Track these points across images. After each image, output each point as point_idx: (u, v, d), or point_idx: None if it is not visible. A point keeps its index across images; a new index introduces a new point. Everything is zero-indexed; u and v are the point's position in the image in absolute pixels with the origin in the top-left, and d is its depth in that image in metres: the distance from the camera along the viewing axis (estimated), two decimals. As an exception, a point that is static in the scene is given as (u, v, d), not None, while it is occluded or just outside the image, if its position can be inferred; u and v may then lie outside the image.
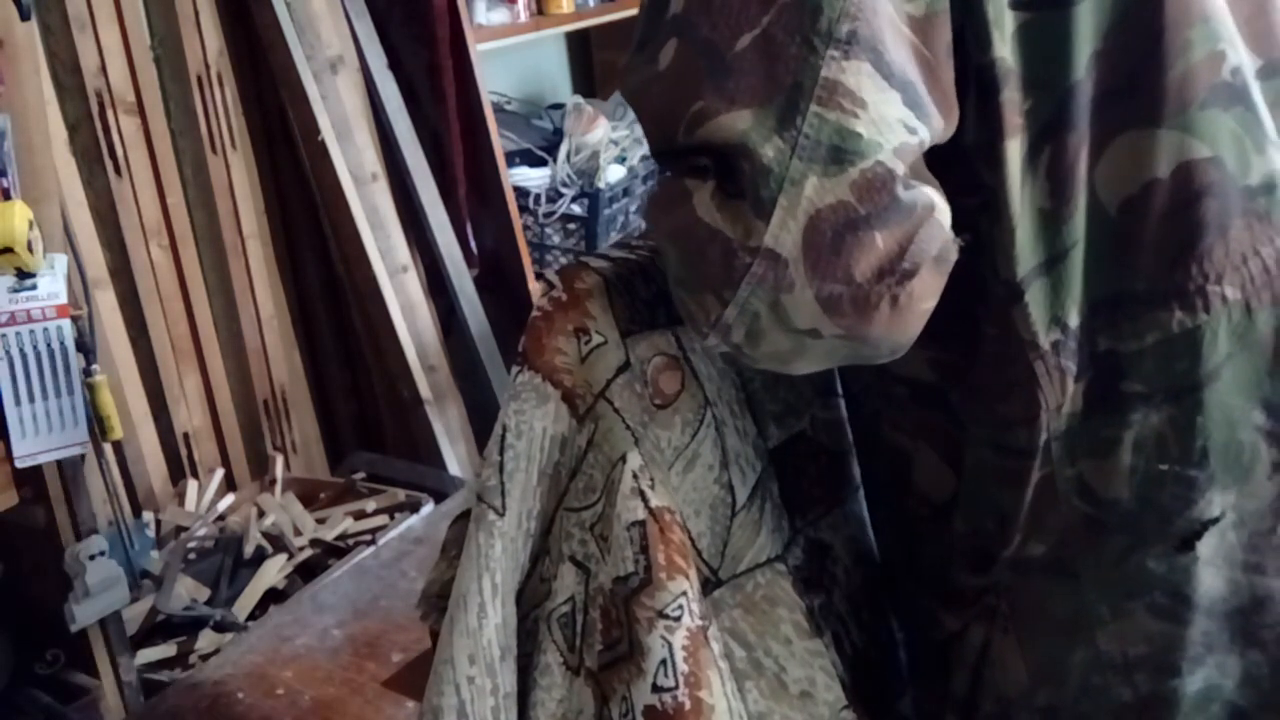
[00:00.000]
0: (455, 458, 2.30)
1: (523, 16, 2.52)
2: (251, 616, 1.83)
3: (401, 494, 2.13)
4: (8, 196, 1.41)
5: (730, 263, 0.66)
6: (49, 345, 1.46)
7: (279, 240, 2.33)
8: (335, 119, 2.22)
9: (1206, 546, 0.77)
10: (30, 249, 1.39)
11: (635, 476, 0.79)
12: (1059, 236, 0.74)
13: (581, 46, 3.18)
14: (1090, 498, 0.77)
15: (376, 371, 2.37)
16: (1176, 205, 0.73)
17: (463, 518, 0.87)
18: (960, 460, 0.82)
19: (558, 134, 2.64)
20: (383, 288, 2.25)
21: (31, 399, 1.45)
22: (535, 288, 0.79)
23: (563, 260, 2.67)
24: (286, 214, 2.34)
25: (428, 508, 2.06)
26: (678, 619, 0.77)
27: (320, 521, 2.06)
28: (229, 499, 2.14)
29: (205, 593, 1.86)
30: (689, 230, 0.69)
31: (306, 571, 1.95)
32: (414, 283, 2.34)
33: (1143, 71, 0.72)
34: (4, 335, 1.43)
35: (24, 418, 1.45)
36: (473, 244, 2.43)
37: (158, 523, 2.03)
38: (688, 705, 0.77)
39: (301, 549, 1.98)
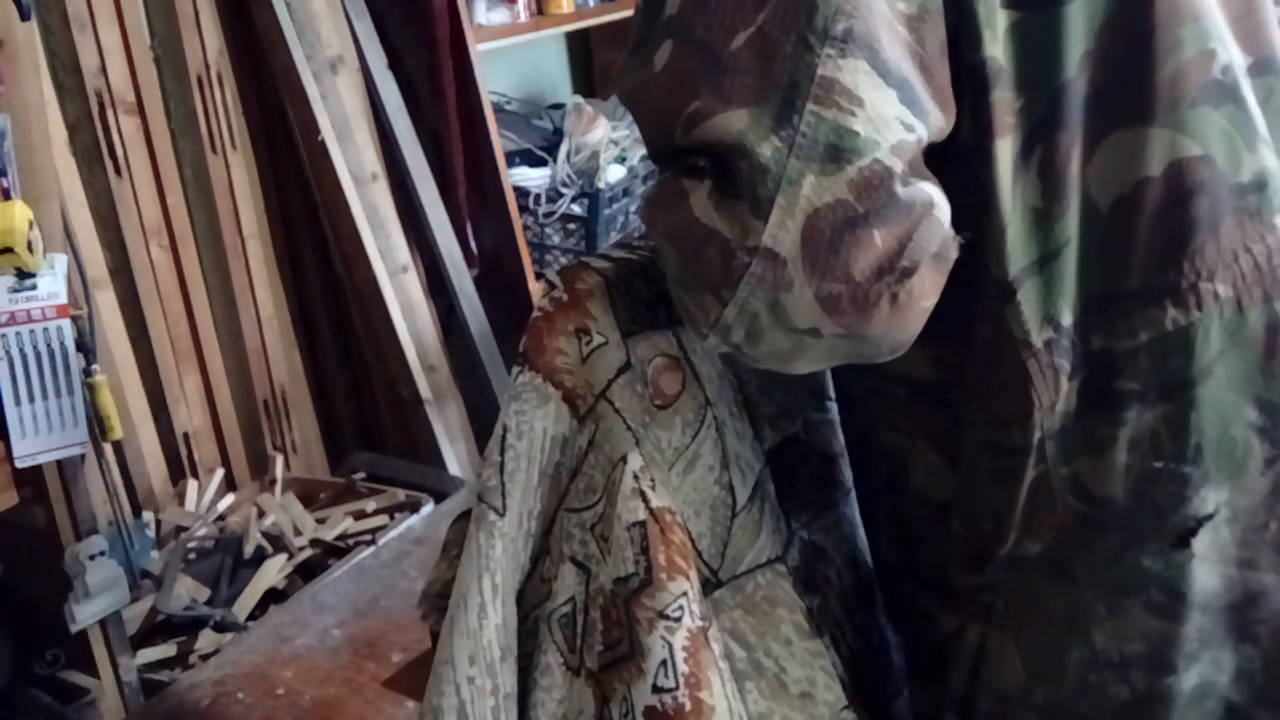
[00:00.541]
0: (455, 458, 2.31)
1: (523, 16, 2.52)
2: (251, 616, 1.83)
3: (401, 494, 2.13)
4: (8, 196, 1.41)
5: (729, 263, 0.66)
6: (49, 345, 1.46)
7: (279, 240, 2.33)
8: (335, 119, 2.22)
9: (1201, 543, 0.77)
10: (30, 249, 1.39)
11: (636, 477, 0.79)
12: (1051, 235, 0.74)
13: (581, 46, 3.18)
14: (1085, 496, 0.77)
15: (376, 371, 2.37)
16: (1168, 203, 0.73)
17: (464, 517, 0.87)
18: (956, 459, 0.82)
19: (558, 134, 2.64)
20: (383, 288, 2.25)
21: (31, 399, 1.45)
22: (536, 288, 0.79)
23: (563, 260, 2.67)
24: (286, 214, 2.34)
25: (428, 508, 2.06)
26: (678, 620, 0.77)
27: (320, 521, 2.06)
28: (229, 499, 2.14)
29: (205, 593, 1.86)
30: (686, 230, 0.69)
31: (306, 571, 1.95)
32: (414, 283, 2.34)
33: (1134, 70, 0.73)
34: (4, 335, 1.43)
35: (24, 418, 1.45)
36: (473, 244, 2.43)
37: (158, 523, 2.03)
38: (688, 706, 0.77)
39: (301, 549, 1.98)
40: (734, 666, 0.83)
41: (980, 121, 0.72)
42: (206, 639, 1.77)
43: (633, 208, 2.73)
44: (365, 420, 2.49)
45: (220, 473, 2.17)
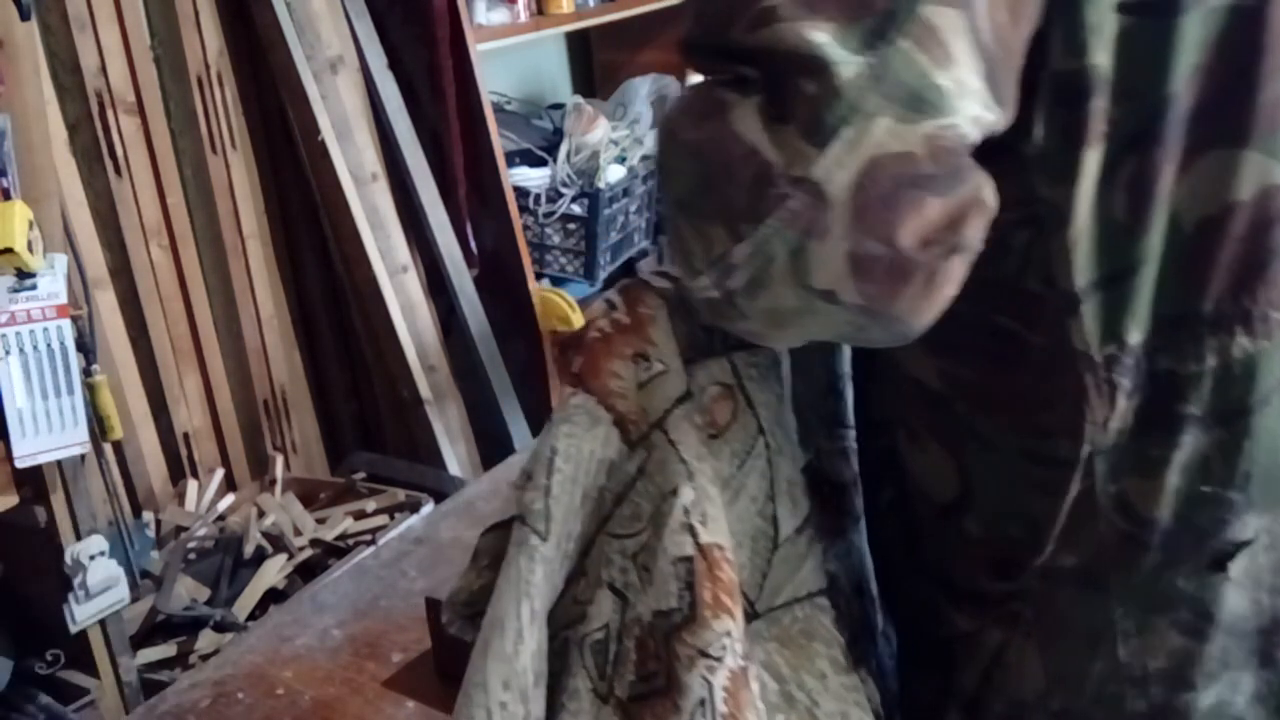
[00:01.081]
0: (455, 458, 2.31)
1: (523, 16, 2.52)
2: (251, 616, 1.83)
3: (401, 494, 2.13)
4: (8, 196, 1.41)
5: (762, 190, 0.59)
6: (49, 345, 1.46)
7: (279, 240, 2.33)
8: (335, 119, 2.22)
9: (1237, 567, 0.77)
10: (30, 249, 1.39)
11: (686, 511, 0.76)
12: (1128, 251, 0.72)
13: (581, 46, 3.18)
14: (1130, 515, 0.76)
15: (376, 371, 2.37)
16: (1252, 229, 0.72)
17: (496, 528, 0.85)
18: (965, 464, 0.82)
19: (558, 134, 2.65)
20: (383, 288, 2.25)
21: (31, 399, 1.45)
22: (596, 306, 0.76)
23: (563, 260, 2.67)
24: (286, 214, 2.34)
25: (428, 508, 2.06)
26: (720, 659, 0.75)
27: (320, 521, 2.06)
28: (229, 499, 2.14)
29: (205, 593, 1.86)
30: (720, 145, 0.61)
31: (306, 571, 1.95)
32: (414, 283, 2.34)
33: (1235, 89, 0.70)
34: (4, 335, 1.43)
35: (24, 418, 1.45)
36: (473, 244, 2.43)
37: (158, 523, 2.04)
38: None
39: (301, 549, 1.98)
40: (765, 699, 0.81)
41: (1066, 130, 0.69)
42: (206, 639, 1.77)
43: (633, 208, 2.74)
44: (365, 420, 2.50)
45: (220, 473, 2.17)
